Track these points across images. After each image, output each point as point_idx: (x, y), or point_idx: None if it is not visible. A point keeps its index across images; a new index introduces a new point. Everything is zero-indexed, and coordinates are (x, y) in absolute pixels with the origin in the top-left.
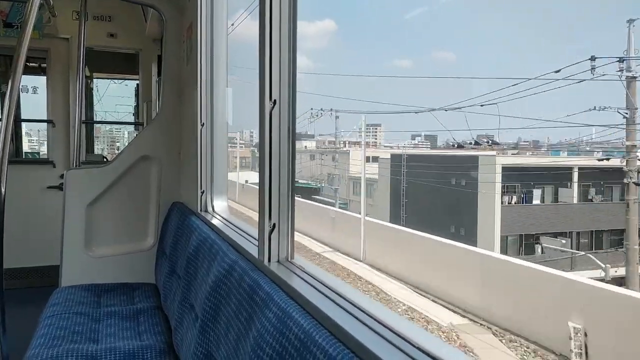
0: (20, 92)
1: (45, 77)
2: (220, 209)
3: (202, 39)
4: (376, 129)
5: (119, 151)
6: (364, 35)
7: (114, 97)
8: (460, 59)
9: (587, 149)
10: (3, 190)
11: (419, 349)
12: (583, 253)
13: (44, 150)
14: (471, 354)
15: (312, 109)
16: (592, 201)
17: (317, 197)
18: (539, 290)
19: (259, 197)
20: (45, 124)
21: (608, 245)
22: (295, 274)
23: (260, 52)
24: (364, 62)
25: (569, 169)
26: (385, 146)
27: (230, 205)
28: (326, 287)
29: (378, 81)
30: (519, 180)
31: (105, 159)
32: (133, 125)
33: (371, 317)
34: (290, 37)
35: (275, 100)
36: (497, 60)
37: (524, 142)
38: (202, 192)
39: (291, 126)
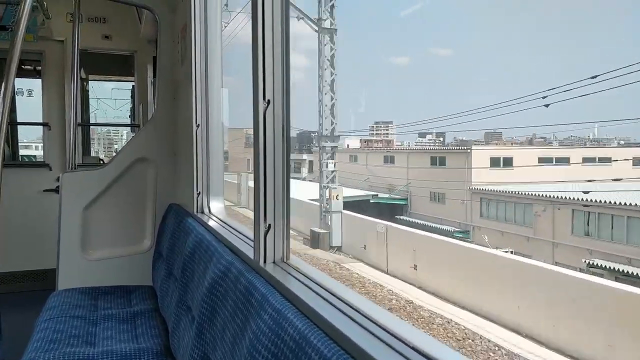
0: (16, 95)
1: (40, 79)
2: (217, 211)
3: (196, 39)
4: (387, 127)
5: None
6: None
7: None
8: None
9: None
10: None
11: (414, 349)
12: None
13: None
14: None
15: None
16: None
17: (403, 217)
18: None
19: (254, 198)
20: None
21: None
22: (291, 275)
23: (254, 52)
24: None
25: None
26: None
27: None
28: (322, 288)
29: None
30: None
31: (101, 161)
32: (130, 127)
33: (367, 318)
34: (283, 36)
35: (269, 100)
36: None
37: None
38: (199, 194)
39: (286, 126)
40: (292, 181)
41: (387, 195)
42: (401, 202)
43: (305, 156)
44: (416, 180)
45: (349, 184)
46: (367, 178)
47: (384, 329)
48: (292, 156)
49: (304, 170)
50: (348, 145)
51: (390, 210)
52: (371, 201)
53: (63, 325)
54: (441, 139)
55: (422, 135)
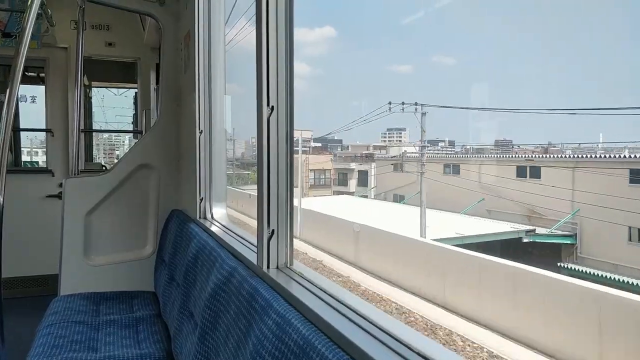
0: (19, 102)
1: (44, 86)
2: (219, 216)
3: (199, 46)
4: (400, 133)
5: (118, 159)
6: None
7: (114, 106)
8: None
9: None
10: (2, 199)
11: (419, 354)
12: None
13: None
14: None
15: None
16: None
17: (569, 265)
18: None
19: (257, 203)
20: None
21: None
22: (295, 280)
23: (258, 58)
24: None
25: None
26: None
27: None
28: (326, 293)
29: None
30: None
31: (104, 168)
32: (132, 134)
33: (372, 323)
34: (287, 43)
35: (273, 107)
36: None
37: None
38: (201, 199)
39: (289, 132)
40: (343, 197)
41: (546, 231)
42: (563, 241)
43: (353, 165)
44: (592, 205)
45: (448, 206)
46: (482, 199)
47: (389, 335)
48: (337, 165)
49: (352, 183)
50: (405, 151)
51: (537, 253)
52: (524, 240)
53: (65, 330)
54: (452, 148)
55: (434, 142)
